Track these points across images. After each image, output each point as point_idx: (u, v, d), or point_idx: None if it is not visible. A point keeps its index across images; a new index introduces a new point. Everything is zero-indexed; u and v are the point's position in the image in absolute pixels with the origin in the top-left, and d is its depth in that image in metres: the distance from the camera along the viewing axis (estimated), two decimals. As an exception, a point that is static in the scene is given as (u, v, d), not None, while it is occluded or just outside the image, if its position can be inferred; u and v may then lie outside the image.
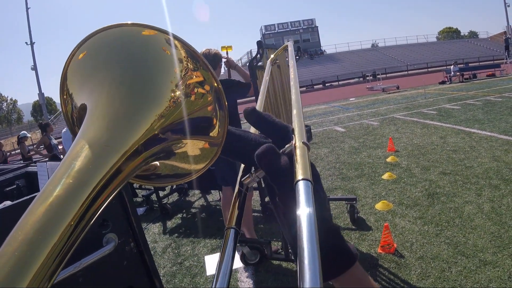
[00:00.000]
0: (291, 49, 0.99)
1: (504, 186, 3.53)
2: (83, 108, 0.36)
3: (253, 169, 0.40)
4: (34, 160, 8.08)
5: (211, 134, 0.41)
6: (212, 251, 3.26)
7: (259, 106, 0.54)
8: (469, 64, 22.95)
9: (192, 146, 0.41)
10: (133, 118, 0.35)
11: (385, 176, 4.30)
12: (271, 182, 0.35)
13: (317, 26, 41.95)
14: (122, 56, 0.38)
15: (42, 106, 35.89)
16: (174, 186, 5.16)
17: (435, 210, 3.22)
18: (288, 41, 1.18)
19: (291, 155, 0.34)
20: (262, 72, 2.49)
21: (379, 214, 3.35)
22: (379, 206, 3.47)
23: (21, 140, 8.25)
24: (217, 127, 0.41)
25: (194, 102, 0.39)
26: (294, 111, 0.42)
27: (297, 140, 0.34)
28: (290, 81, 0.57)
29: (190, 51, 0.38)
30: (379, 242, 2.77)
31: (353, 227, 3.18)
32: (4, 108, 53.82)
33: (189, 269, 2.97)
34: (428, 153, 5.10)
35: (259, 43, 2.41)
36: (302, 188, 0.28)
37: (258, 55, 2.42)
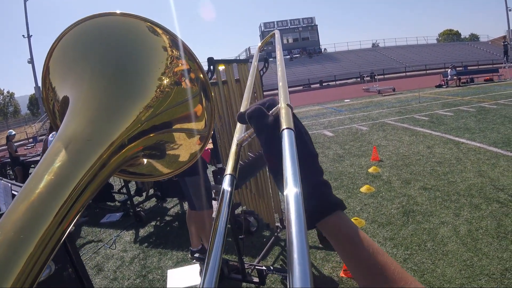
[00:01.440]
0: (278, 36, 0.93)
1: (485, 206, 3.34)
2: (66, 100, 0.35)
3: (244, 129, 0.42)
4: (21, 159, 7.97)
5: (198, 125, 0.40)
6: (177, 264, 3.16)
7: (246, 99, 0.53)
8: (468, 68, 22.72)
9: (179, 139, 0.40)
10: (118, 110, 0.33)
11: (363, 189, 4.12)
12: (257, 137, 0.39)
13: (317, 25, 41.26)
14: (105, 46, 0.36)
15: (39, 100, 36.30)
16: (152, 192, 5.02)
17: (408, 231, 3.03)
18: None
19: (277, 116, 0.38)
20: (213, 88, 2.31)
21: (349, 232, 3.16)
22: (351, 223, 3.29)
23: (8, 138, 8.19)
24: (204, 118, 0.40)
25: (180, 93, 0.37)
26: (280, 83, 0.45)
27: (282, 102, 0.38)
28: (276, 62, 0.57)
29: (175, 41, 0.37)
30: (343, 264, 2.60)
31: (320, 246, 3.00)
32: (1, 101, 53.27)
33: (151, 283, 2.89)
34: (412, 164, 4.91)
35: (209, 60, 2.25)
36: (286, 136, 0.31)
37: (209, 72, 2.25)
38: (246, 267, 2.60)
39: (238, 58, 45.65)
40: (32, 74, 34.82)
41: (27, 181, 0.27)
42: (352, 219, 3.28)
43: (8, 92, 54.74)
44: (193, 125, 0.40)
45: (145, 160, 0.39)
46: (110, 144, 0.31)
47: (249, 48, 42.19)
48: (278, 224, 3.41)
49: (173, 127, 0.38)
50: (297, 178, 0.26)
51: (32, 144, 14.07)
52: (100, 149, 0.30)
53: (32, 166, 7.73)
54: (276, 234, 3.29)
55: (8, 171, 8.67)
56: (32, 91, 47.91)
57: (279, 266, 2.85)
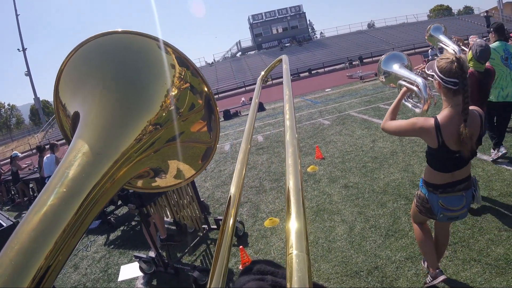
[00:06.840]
0: (286, 66, 0.75)
1: (391, 204, 3.58)
2: (77, 115, 0.37)
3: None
4: (22, 178, 8.47)
5: (205, 136, 0.42)
6: (130, 261, 3.81)
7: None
8: (457, 45, 22.52)
9: (185, 151, 0.41)
10: (125, 125, 0.35)
11: (293, 190, 4.47)
12: None
13: (305, 12, 40.68)
14: (113, 64, 0.38)
15: (39, 111, 37.65)
16: (120, 202, 5.55)
17: (309, 228, 3.41)
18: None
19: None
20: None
21: (263, 231, 3.57)
22: (267, 223, 3.69)
23: (13, 159, 8.80)
24: (208, 131, 0.42)
25: (185, 107, 0.39)
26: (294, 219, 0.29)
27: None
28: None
29: (180, 57, 0.39)
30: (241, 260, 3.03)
31: (235, 243, 3.41)
32: (3, 114, 54.44)
33: (109, 276, 3.60)
34: (349, 160, 5.23)
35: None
36: None
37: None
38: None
39: (229, 51, 45.49)
40: (31, 85, 35.74)
41: (41, 192, 0.28)
42: (268, 219, 3.68)
43: (9, 104, 56.27)
44: (200, 137, 0.42)
45: (153, 173, 0.40)
46: (118, 157, 0.32)
47: (239, 42, 42.26)
48: (205, 225, 3.76)
49: (181, 140, 0.40)
50: None
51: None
52: (110, 162, 0.31)
53: (31, 183, 8.32)
54: (201, 233, 3.71)
55: (12, 188, 9.20)
56: (32, 101, 49.10)
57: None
